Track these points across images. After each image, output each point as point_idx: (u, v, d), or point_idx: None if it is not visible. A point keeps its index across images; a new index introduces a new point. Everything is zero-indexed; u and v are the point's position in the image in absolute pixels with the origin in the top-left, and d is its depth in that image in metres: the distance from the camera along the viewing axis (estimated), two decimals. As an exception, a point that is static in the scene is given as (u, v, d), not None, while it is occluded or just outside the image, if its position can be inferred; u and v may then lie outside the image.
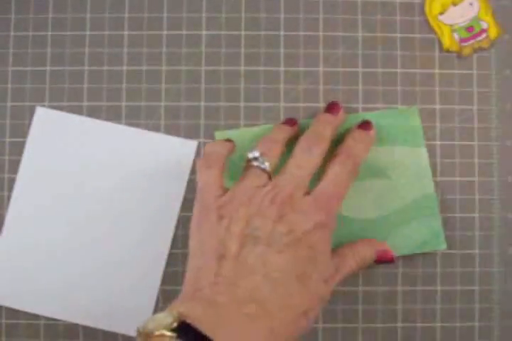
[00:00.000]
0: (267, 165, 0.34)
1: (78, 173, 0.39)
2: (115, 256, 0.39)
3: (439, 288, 0.39)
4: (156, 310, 0.38)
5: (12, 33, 0.40)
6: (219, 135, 0.39)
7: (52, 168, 0.39)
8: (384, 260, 0.36)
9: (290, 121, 0.38)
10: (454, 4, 0.40)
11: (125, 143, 0.39)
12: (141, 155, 0.39)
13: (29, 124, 0.39)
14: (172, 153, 0.39)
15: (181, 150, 0.39)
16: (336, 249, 0.35)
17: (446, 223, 0.39)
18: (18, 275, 0.39)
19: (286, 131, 0.37)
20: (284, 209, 0.32)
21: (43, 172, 0.39)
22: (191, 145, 0.39)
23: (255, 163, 0.34)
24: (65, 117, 0.39)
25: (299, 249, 0.32)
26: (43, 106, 0.40)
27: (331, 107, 0.38)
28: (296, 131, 0.38)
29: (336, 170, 0.35)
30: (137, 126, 0.39)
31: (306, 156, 0.34)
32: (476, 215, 0.39)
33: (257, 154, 0.35)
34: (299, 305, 0.31)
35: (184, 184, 0.39)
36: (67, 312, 0.38)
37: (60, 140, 0.39)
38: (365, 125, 0.38)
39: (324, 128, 0.36)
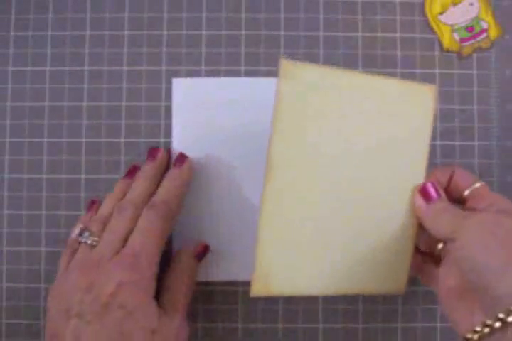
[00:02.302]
0: (91, 239, 0.34)
1: (233, 134, 0.39)
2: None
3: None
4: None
5: (12, 33, 0.40)
6: None
7: (204, 134, 0.39)
8: (203, 253, 0.38)
9: (127, 175, 0.38)
10: (454, 4, 0.40)
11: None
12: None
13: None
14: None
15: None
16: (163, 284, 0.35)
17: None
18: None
19: (114, 199, 0.37)
20: (91, 275, 0.32)
21: (194, 138, 0.39)
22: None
23: (81, 239, 0.35)
24: (202, 82, 0.40)
25: (108, 313, 0.31)
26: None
27: (150, 155, 0.38)
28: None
29: (146, 218, 0.34)
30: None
31: (116, 221, 0.35)
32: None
33: (78, 230, 0.36)
34: None
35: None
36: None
37: (203, 104, 0.39)
38: (179, 159, 0.38)
39: (131, 193, 0.36)
